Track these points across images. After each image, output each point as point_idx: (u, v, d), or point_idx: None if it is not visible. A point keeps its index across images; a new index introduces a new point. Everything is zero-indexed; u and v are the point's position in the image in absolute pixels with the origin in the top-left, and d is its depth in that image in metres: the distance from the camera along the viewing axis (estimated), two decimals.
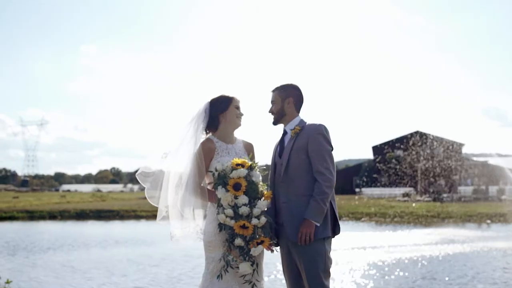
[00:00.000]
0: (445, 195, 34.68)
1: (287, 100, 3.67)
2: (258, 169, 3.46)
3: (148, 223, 21.70)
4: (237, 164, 3.41)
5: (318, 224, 3.41)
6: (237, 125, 3.69)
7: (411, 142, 46.62)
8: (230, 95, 3.71)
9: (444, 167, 39.61)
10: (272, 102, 3.73)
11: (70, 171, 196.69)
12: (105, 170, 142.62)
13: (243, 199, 3.33)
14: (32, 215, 24.81)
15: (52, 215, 24.91)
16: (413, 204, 27.13)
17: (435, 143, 44.48)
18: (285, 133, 3.72)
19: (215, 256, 3.46)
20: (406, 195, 35.79)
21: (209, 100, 3.71)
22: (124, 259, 10.97)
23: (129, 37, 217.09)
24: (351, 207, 25.51)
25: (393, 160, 50.19)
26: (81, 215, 24.98)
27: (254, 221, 3.30)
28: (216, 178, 3.41)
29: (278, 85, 3.77)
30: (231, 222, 3.30)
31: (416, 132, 50.54)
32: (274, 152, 3.76)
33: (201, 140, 3.64)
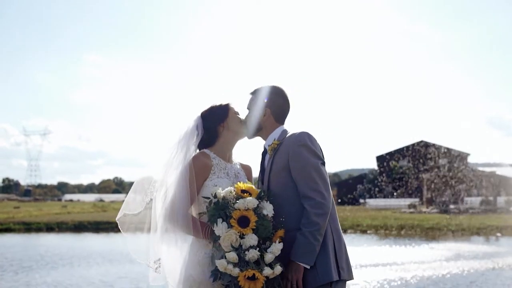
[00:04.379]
0: (452, 206, 33.94)
1: (263, 110, 2.88)
2: (268, 200, 2.66)
3: None
4: (243, 191, 2.59)
5: (308, 267, 2.58)
6: (243, 134, 2.95)
7: (415, 152, 46.07)
8: (223, 102, 2.99)
9: (450, 177, 38.92)
10: (248, 109, 2.97)
11: (73, 181, 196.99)
12: (108, 180, 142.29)
13: (252, 239, 2.50)
14: (29, 227, 24.20)
15: (50, 227, 24.30)
16: (420, 216, 26.44)
17: (440, 152, 43.88)
18: (265, 151, 2.93)
19: None
20: (412, 206, 35.09)
21: (199, 114, 2.98)
22: (97, 281, 10.17)
23: (132, 46, 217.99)
24: (356, 219, 24.85)
25: (398, 170, 49.60)
26: (79, 227, 24.37)
27: (267, 271, 2.46)
28: (213, 207, 2.58)
29: (258, 87, 2.95)
30: (235, 271, 2.45)
31: (421, 142, 50.03)
32: (258, 177, 2.96)
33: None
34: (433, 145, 47.32)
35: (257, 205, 2.58)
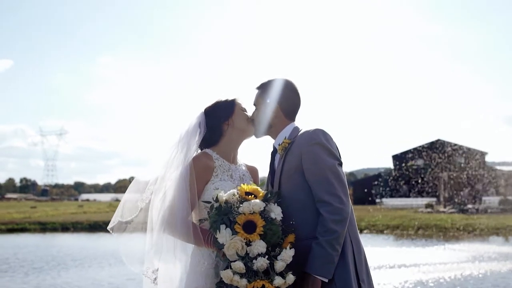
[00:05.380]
0: (470, 206, 33.34)
1: (272, 106, 2.60)
2: (276, 202, 2.41)
3: None
4: (247, 193, 2.37)
5: (326, 280, 2.31)
6: (250, 132, 2.71)
7: (432, 151, 45.40)
8: (229, 97, 2.74)
9: (468, 177, 38.27)
10: (255, 105, 2.71)
11: (89, 181, 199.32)
12: (124, 179, 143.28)
13: (260, 246, 2.26)
14: (45, 227, 24.29)
15: (65, 227, 24.37)
16: (437, 216, 25.99)
17: (457, 151, 43.22)
18: (274, 150, 2.65)
19: None
20: (429, 206, 34.54)
21: (202, 110, 2.73)
22: (106, 283, 10.03)
23: (144, 48, 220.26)
24: (372, 219, 24.50)
25: (414, 169, 48.98)
26: (94, 227, 24.39)
27: (278, 280, 2.23)
28: (215, 213, 2.34)
29: (265, 80, 2.67)
30: (242, 282, 2.22)
31: (437, 140, 49.32)
32: (267, 180, 2.69)
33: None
34: (450, 144, 46.62)
35: (264, 207, 2.33)
